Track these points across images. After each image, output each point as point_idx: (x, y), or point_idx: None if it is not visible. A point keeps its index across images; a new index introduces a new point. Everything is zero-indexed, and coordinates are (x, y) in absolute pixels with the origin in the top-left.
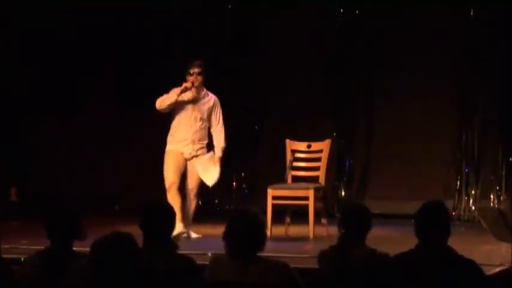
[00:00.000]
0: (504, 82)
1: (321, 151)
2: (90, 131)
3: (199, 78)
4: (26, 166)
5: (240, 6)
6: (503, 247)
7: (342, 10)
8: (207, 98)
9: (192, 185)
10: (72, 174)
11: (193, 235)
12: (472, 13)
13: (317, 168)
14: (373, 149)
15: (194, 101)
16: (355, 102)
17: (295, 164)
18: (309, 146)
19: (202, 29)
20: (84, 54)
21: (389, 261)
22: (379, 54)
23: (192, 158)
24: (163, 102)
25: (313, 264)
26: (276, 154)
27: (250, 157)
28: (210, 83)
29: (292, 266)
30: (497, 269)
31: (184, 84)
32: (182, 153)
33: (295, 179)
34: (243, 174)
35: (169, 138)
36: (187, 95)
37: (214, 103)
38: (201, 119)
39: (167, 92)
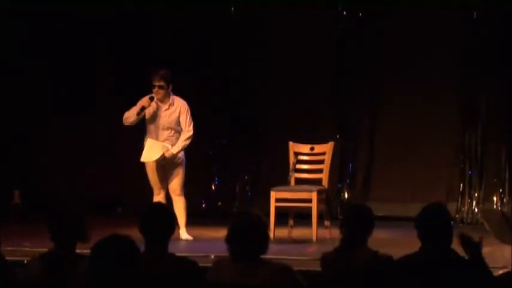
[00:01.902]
0: (506, 83)
1: (324, 153)
2: (90, 131)
3: (161, 91)
4: (28, 168)
5: (243, 7)
6: (506, 249)
7: (344, 12)
8: (172, 108)
9: (173, 186)
10: (74, 176)
11: (185, 236)
12: (474, 14)
13: (320, 171)
14: (376, 151)
15: (160, 111)
16: (358, 104)
17: (298, 166)
18: (312, 149)
19: (203, 30)
20: (84, 55)
21: (392, 263)
22: (380, 54)
23: (168, 160)
24: (126, 120)
25: (316, 267)
26: (279, 157)
27: (253, 160)
28: (211, 85)
29: (295, 268)
30: (500, 271)
31: (141, 104)
32: (157, 160)
33: (298, 181)
34: (246, 176)
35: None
36: (150, 110)
37: (180, 110)
38: (168, 128)
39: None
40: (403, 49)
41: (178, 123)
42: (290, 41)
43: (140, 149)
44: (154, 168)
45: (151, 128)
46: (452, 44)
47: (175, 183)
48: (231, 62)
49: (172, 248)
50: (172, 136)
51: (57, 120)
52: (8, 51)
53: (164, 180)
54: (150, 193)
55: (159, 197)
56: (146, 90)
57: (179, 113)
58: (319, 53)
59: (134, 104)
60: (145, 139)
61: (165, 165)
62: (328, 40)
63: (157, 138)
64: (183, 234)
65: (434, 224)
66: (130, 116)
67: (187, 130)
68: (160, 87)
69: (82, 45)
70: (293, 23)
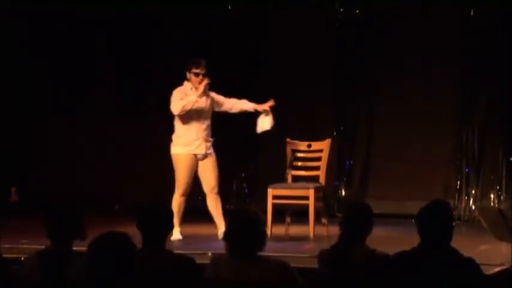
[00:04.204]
0: (504, 82)
1: (321, 151)
2: (90, 131)
3: (205, 79)
4: (26, 166)
5: (242, 7)
6: (503, 247)
7: (341, 9)
8: (206, 94)
9: (212, 183)
10: (72, 174)
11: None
12: (472, 13)
13: (317, 168)
14: (373, 149)
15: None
16: (355, 102)
17: (296, 163)
18: (309, 146)
19: (203, 29)
20: (84, 55)
21: (389, 261)
22: (379, 54)
23: (205, 157)
24: (184, 108)
25: (313, 264)
26: (276, 154)
27: (251, 157)
28: (210, 84)
29: (292, 265)
30: (497, 269)
31: (203, 85)
32: (195, 155)
33: (296, 178)
34: (243, 174)
35: (176, 140)
36: (197, 95)
37: (211, 96)
38: (206, 117)
39: (168, 92)
40: (401, 48)
41: (212, 110)
42: (288, 39)
43: (138, 148)
44: (189, 164)
45: (191, 119)
46: (452, 44)
47: (213, 181)
48: (230, 61)
49: (169, 245)
50: (209, 126)
51: (57, 120)
52: (8, 51)
53: (192, 180)
54: (148, 191)
55: (182, 198)
56: (146, 89)
57: (212, 99)
58: (317, 51)
59: (133, 103)
60: (176, 138)
61: (203, 164)
62: (328, 39)
63: (197, 130)
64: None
65: (436, 221)
66: (189, 102)
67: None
68: (204, 75)
69: (82, 45)
70: (291, 22)
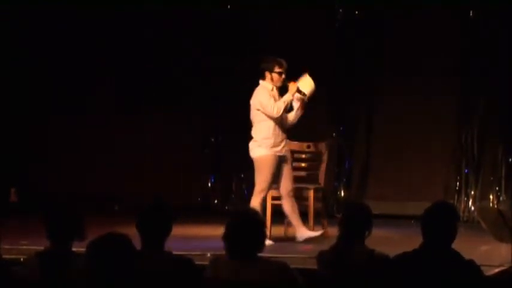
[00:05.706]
0: (504, 82)
1: (320, 151)
2: (90, 131)
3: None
4: (25, 166)
5: (243, 7)
6: (503, 247)
7: (341, 10)
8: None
9: (290, 186)
10: (72, 174)
11: (307, 235)
12: (471, 13)
13: (317, 169)
14: (373, 150)
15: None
16: (355, 102)
17: (295, 164)
18: (308, 147)
19: (203, 29)
20: (85, 55)
21: (388, 261)
22: (379, 54)
23: (286, 158)
24: (284, 109)
25: (313, 265)
26: None
27: (250, 158)
28: (210, 84)
29: (291, 266)
30: (497, 270)
31: (296, 86)
32: (280, 156)
33: (295, 179)
34: (242, 175)
35: (262, 142)
36: (292, 94)
37: None
38: (286, 118)
39: (168, 92)
40: (401, 48)
41: None
42: (287, 38)
43: (138, 148)
44: (276, 166)
45: (278, 120)
46: (452, 44)
47: (291, 184)
48: (230, 61)
49: (168, 246)
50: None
51: (57, 120)
52: (8, 51)
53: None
54: (148, 192)
55: (261, 199)
56: (146, 89)
57: None
58: (316, 51)
59: (133, 103)
60: (262, 139)
61: (283, 165)
62: (328, 39)
63: (283, 130)
64: (305, 233)
65: (440, 223)
66: (287, 103)
67: None
68: (284, 74)
69: (82, 45)
70: (291, 22)
